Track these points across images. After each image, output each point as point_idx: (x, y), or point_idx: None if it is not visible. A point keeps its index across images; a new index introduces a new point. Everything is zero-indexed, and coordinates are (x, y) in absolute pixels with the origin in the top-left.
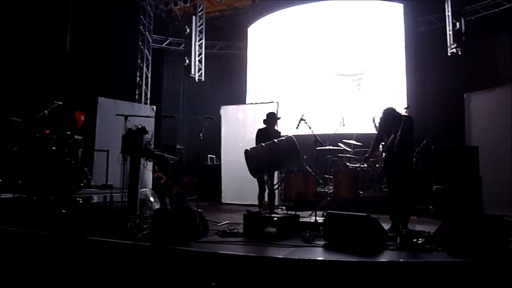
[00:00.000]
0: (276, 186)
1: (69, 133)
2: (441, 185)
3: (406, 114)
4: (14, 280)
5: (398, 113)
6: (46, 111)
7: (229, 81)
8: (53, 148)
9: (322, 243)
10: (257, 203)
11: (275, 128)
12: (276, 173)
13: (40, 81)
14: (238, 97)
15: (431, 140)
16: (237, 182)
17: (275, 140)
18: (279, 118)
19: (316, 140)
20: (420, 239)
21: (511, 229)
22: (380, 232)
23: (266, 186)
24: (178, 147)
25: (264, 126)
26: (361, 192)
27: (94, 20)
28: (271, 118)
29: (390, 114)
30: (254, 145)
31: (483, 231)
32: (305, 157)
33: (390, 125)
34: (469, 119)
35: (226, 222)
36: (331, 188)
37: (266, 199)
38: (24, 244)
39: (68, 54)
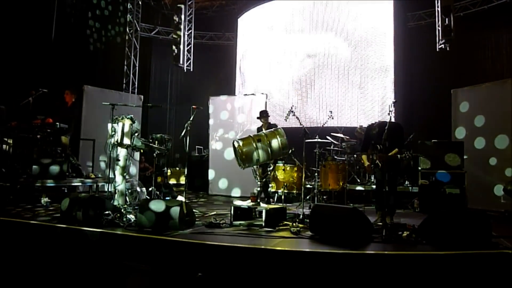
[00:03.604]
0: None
1: (55, 121)
2: (426, 179)
3: (393, 121)
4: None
5: (383, 123)
6: (30, 99)
7: (218, 72)
8: (38, 136)
9: (308, 234)
10: (244, 194)
11: (268, 122)
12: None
13: (25, 68)
14: (227, 88)
15: (418, 135)
16: (225, 173)
17: (264, 132)
18: (269, 116)
19: (304, 132)
20: (405, 232)
21: (494, 223)
22: (366, 224)
23: (254, 178)
24: (165, 137)
25: (260, 124)
26: (347, 185)
27: (81, 7)
28: (265, 115)
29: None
30: (243, 137)
31: (467, 225)
32: (293, 149)
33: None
34: (456, 115)
35: (213, 213)
36: (318, 181)
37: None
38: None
39: (54, 41)
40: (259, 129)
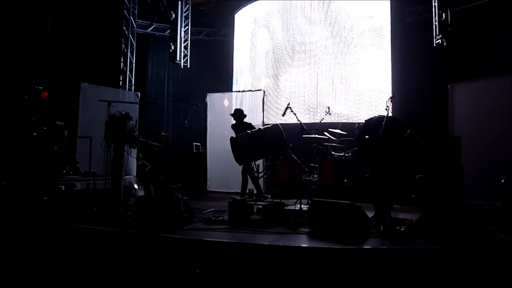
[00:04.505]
0: (261, 174)
1: (51, 119)
2: (423, 174)
3: (390, 116)
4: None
5: (381, 118)
6: (26, 96)
7: (215, 68)
8: (34, 134)
9: (306, 230)
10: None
11: (244, 121)
12: (261, 161)
13: (20, 65)
14: (224, 85)
15: (415, 130)
16: (223, 170)
17: (261, 128)
18: (245, 115)
19: (302, 128)
20: (402, 227)
21: (490, 217)
22: (364, 219)
23: (252, 174)
24: (162, 134)
25: (234, 121)
26: (345, 181)
27: (76, 3)
28: (238, 114)
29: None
30: (240, 133)
31: (464, 220)
32: (290, 145)
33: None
34: (453, 110)
35: (211, 209)
36: (316, 176)
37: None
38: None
39: (50, 38)
40: (233, 126)
